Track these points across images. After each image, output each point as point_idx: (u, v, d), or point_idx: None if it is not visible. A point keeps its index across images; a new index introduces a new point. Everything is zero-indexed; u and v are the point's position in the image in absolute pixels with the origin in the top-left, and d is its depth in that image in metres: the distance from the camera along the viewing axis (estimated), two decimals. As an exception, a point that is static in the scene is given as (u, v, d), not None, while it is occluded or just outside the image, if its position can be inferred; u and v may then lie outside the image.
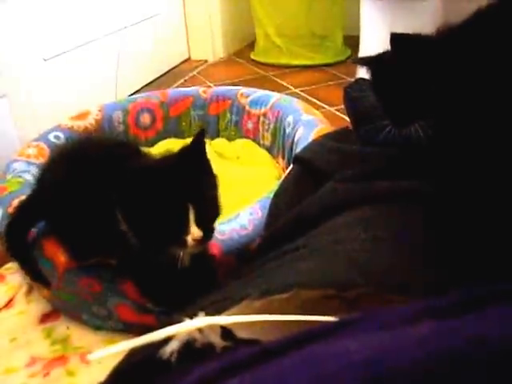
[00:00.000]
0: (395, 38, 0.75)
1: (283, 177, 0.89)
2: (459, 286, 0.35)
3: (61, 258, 0.91)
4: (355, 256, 0.53)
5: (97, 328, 0.97)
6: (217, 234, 0.91)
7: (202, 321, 0.40)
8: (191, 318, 0.40)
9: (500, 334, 0.26)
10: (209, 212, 0.77)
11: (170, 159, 0.78)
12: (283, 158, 1.36)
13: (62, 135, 1.31)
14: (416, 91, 0.73)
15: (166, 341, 0.40)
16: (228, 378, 0.31)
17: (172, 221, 0.73)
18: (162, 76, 2.42)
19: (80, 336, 0.97)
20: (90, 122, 1.39)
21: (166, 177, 0.74)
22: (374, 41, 1.95)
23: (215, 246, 0.90)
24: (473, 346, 0.25)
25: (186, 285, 0.81)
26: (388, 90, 0.78)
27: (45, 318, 1.01)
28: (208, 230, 0.75)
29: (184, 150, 0.77)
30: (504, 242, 0.54)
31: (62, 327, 0.99)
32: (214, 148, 1.47)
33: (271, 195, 0.99)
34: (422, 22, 1.88)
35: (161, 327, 0.40)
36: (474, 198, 0.62)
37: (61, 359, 0.91)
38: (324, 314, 0.40)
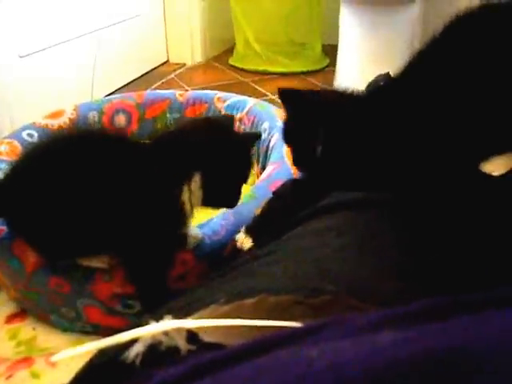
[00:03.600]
0: (282, 93, 0.79)
1: (263, 205, 0.92)
2: (426, 296, 0.36)
3: (29, 256, 0.90)
4: (325, 262, 0.53)
5: (64, 329, 0.96)
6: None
7: (168, 324, 0.39)
8: (158, 320, 0.40)
9: (463, 344, 0.26)
10: None
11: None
12: (257, 163, 1.37)
13: (35, 133, 1.29)
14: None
15: (132, 343, 0.40)
16: None
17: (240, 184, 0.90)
18: (139, 78, 2.40)
19: (46, 337, 0.96)
20: (64, 120, 1.38)
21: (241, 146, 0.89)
22: (351, 50, 1.97)
23: (187, 252, 0.90)
24: (427, 358, 0.26)
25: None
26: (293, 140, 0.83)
27: (11, 318, 1.00)
28: None
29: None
30: (468, 251, 0.55)
31: (28, 328, 0.97)
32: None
33: (244, 201, 0.99)
34: (400, 31, 1.91)
35: (128, 329, 0.40)
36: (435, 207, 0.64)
37: (26, 361, 0.90)
38: (291, 320, 0.40)
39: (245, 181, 0.89)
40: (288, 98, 0.80)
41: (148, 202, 0.82)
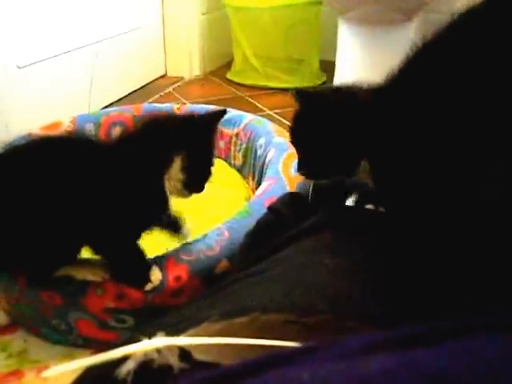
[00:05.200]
0: (298, 94, 0.82)
1: (258, 219, 0.92)
2: (420, 318, 0.36)
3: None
4: (318, 282, 0.53)
5: (56, 342, 0.96)
6: (183, 255, 0.92)
7: (160, 341, 0.39)
8: (150, 337, 0.40)
9: (449, 370, 0.26)
10: None
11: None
12: (253, 179, 1.37)
13: (31, 144, 1.29)
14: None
15: (124, 359, 0.40)
16: None
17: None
18: (137, 90, 2.41)
19: (37, 350, 0.95)
20: (61, 132, 1.38)
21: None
22: (349, 66, 1.98)
23: (181, 267, 0.89)
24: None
25: None
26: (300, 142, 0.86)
27: (1, 330, 0.99)
28: None
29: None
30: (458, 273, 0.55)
31: (19, 341, 0.97)
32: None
33: (239, 216, 0.99)
34: (398, 48, 1.92)
35: (119, 345, 0.40)
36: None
37: (16, 373, 0.89)
38: (284, 339, 0.40)
39: (212, 164, 0.90)
40: (303, 97, 0.82)
41: (135, 197, 0.83)
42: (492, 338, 0.30)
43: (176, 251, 0.93)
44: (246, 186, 1.41)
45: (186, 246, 0.94)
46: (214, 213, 0.94)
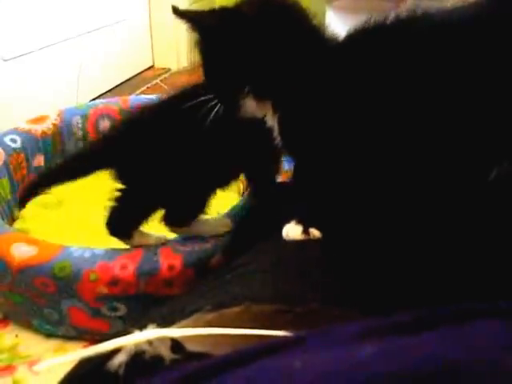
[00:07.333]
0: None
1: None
2: (407, 304, 0.36)
3: (14, 256, 0.88)
4: (308, 272, 0.53)
5: (47, 335, 0.95)
6: (178, 245, 0.92)
7: (151, 333, 0.39)
8: (141, 329, 0.40)
9: (442, 356, 0.26)
10: None
11: None
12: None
13: (18, 138, 1.28)
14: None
15: (116, 352, 0.40)
16: None
17: None
18: (124, 82, 2.39)
19: (29, 344, 0.95)
20: (48, 126, 1.37)
21: None
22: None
23: (176, 257, 0.89)
24: (406, 371, 0.26)
25: None
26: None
27: (-7, 325, 0.99)
28: None
29: None
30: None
31: (11, 335, 0.96)
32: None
33: (232, 211, 1.00)
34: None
35: (111, 338, 0.40)
36: None
37: (8, 368, 0.89)
38: (276, 328, 0.40)
39: None
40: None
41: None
42: (487, 324, 0.31)
43: (172, 241, 0.94)
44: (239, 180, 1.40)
45: (182, 237, 0.95)
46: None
